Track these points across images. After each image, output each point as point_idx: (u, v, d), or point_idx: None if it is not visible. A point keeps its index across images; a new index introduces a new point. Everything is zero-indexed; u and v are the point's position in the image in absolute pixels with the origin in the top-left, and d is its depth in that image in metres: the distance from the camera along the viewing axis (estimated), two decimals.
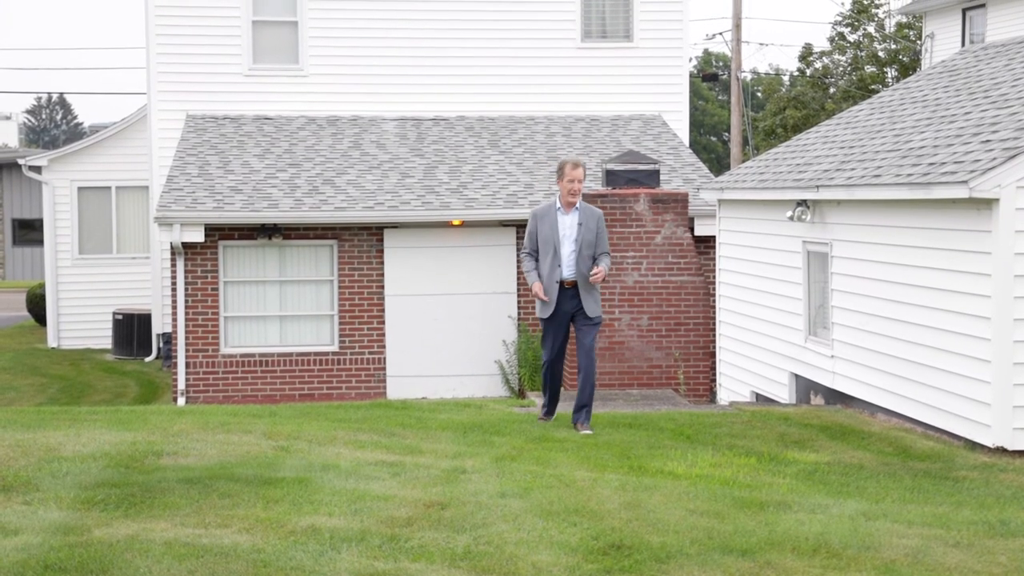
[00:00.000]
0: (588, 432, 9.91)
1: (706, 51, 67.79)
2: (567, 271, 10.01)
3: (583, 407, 10.14)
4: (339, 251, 18.17)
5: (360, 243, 18.22)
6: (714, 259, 16.51)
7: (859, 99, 36.61)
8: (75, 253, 24.66)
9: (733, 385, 15.39)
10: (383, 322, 18.24)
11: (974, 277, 9.88)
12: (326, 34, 21.17)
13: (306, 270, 18.25)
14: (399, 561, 5.73)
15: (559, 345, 10.20)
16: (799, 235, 13.28)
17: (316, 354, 18.08)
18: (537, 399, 14.23)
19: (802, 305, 13.29)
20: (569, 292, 10.04)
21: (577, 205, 10.10)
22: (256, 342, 18.05)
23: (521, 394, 17.67)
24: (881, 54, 41.28)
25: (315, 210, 17.73)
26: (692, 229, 17.64)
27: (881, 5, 42.10)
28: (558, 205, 10.15)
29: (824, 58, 43.52)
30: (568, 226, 10.05)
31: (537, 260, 10.17)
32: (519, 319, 18.42)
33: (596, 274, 9.95)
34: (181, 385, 17.66)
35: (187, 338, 17.76)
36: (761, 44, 65.17)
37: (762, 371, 14.41)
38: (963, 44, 29.97)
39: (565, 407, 10.75)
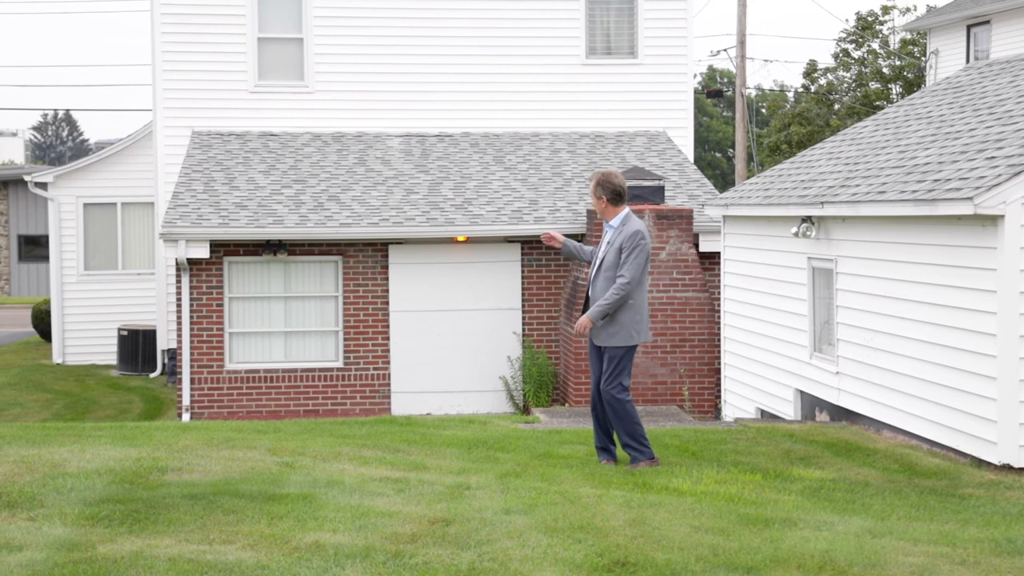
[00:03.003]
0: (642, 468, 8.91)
1: (711, 68, 67.94)
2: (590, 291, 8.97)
3: (624, 446, 9.05)
4: (344, 267, 18.19)
5: (365, 259, 18.24)
6: (719, 275, 16.50)
7: (863, 115, 36.64)
8: (80, 269, 24.69)
9: (738, 401, 15.36)
10: (388, 338, 18.25)
11: (979, 293, 9.87)
12: (331, 51, 21.23)
13: (311, 286, 18.26)
14: None
15: (595, 378, 8.99)
16: (804, 251, 13.27)
17: (321, 370, 18.09)
18: (542, 415, 14.23)
19: (807, 321, 13.28)
20: None
21: (614, 222, 8.89)
22: (261, 358, 18.06)
23: (526, 410, 17.65)
24: (885, 70, 41.35)
25: (320, 226, 17.76)
26: (697, 245, 17.65)
27: (885, 22, 42.17)
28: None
29: (829, 74, 43.58)
30: (604, 243, 8.96)
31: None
32: (523, 335, 18.42)
33: (579, 325, 8.84)
34: (186, 401, 17.66)
35: (192, 354, 17.77)
36: (766, 61, 65.23)
37: (767, 387, 14.39)
38: (967, 60, 29.99)
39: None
